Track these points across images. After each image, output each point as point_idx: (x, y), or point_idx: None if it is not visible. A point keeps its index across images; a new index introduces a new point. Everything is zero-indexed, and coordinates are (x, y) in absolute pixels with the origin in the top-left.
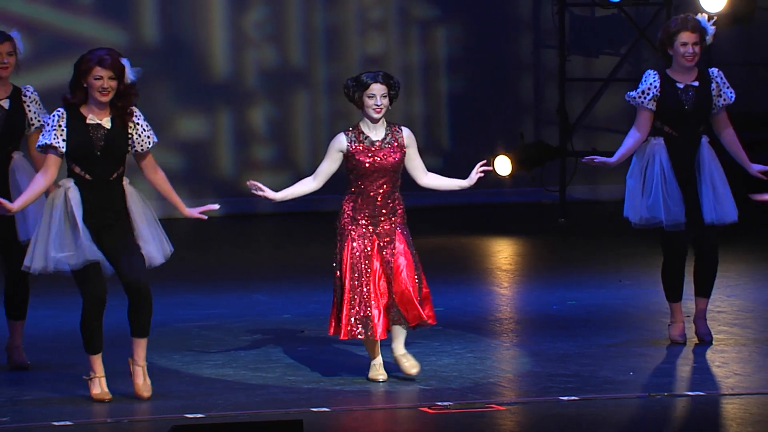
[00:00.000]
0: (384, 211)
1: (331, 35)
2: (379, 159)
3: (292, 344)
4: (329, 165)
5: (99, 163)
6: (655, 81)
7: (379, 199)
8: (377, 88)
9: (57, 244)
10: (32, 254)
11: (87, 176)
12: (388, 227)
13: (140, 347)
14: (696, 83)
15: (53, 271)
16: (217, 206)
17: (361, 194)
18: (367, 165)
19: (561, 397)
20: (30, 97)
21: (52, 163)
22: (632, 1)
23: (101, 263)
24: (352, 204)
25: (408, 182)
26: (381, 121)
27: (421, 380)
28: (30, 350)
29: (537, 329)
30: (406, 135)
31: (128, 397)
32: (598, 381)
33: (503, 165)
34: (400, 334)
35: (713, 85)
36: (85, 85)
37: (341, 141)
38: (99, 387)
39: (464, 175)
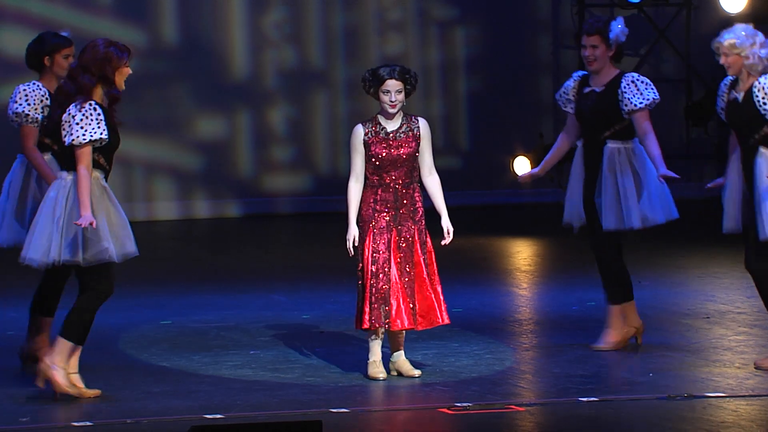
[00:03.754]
0: (405, 201)
1: (349, 36)
2: (394, 150)
3: (310, 345)
4: (360, 160)
5: (113, 154)
6: (568, 84)
7: (398, 189)
8: (392, 84)
9: (107, 234)
10: (74, 244)
11: (108, 167)
12: (410, 226)
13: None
14: (600, 89)
15: (97, 263)
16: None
17: (381, 185)
18: (383, 155)
19: (580, 398)
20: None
21: (89, 156)
22: (652, 1)
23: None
24: (373, 196)
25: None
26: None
27: (440, 381)
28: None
29: (556, 330)
30: (422, 125)
31: (147, 398)
32: (617, 382)
33: (522, 166)
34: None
35: (619, 91)
36: (111, 79)
37: (360, 133)
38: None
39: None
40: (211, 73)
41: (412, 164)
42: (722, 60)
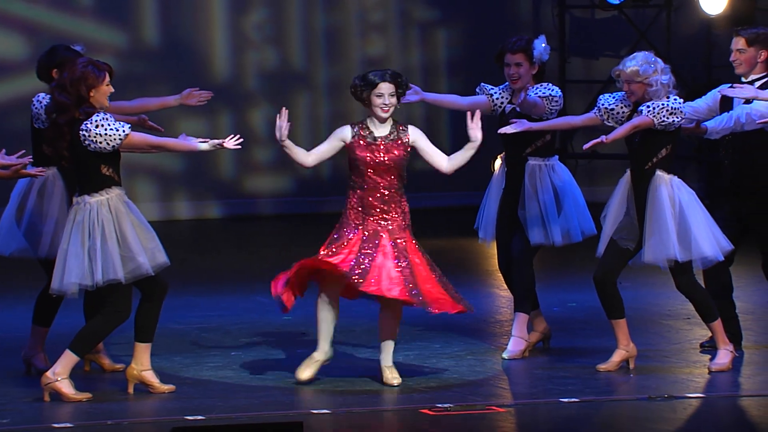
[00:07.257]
0: (393, 205)
1: (331, 37)
2: (379, 155)
3: (292, 346)
4: (326, 149)
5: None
6: (502, 96)
7: (386, 195)
8: (385, 87)
9: (140, 249)
10: (112, 264)
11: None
12: (400, 230)
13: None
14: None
15: (134, 279)
16: None
17: (367, 191)
18: (368, 159)
19: (561, 399)
20: None
21: (139, 137)
22: (632, 2)
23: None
24: (357, 200)
25: (408, 183)
26: (389, 119)
27: (421, 382)
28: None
29: None
30: (411, 132)
31: (128, 399)
32: (598, 383)
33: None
34: (388, 346)
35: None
36: (86, 98)
37: (345, 132)
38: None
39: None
40: (192, 74)
41: (398, 171)
42: (625, 87)
